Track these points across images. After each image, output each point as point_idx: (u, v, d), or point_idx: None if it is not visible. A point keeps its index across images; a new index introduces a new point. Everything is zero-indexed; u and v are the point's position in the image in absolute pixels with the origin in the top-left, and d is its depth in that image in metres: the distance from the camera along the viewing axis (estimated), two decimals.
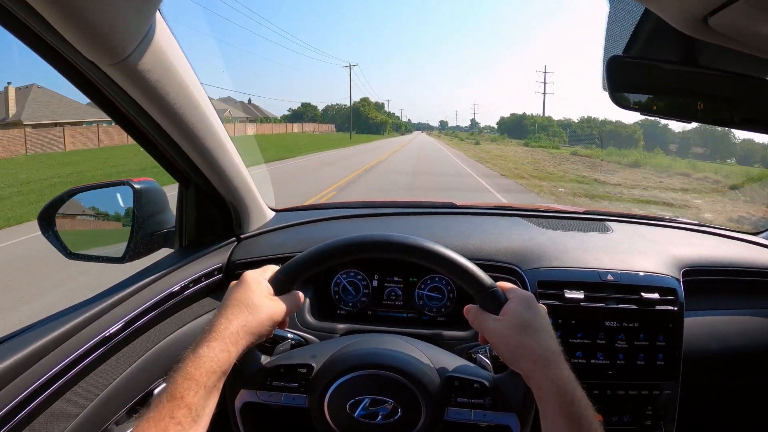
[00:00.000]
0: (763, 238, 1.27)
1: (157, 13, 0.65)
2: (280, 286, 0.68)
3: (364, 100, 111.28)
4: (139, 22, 0.61)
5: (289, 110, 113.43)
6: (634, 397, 0.95)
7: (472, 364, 0.73)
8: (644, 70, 0.60)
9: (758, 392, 1.11)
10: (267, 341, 0.75)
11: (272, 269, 0.70)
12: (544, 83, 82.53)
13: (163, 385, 0.85)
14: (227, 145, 0.94)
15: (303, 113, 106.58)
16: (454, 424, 0.68)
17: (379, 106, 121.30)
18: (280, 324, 0.67)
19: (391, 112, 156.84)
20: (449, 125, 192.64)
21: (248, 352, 0.64)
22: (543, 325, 0.63)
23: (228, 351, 0.58)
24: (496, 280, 0.68)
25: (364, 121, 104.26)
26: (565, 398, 0.56)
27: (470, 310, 0.69)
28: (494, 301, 0.66)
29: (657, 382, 0.95)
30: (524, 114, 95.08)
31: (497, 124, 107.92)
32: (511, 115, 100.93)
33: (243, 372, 0.67)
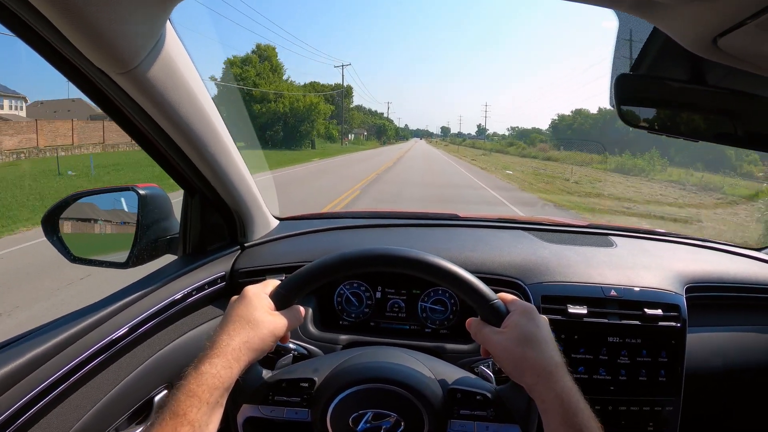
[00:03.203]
0: (766, 253, 1.26)
1: (167, 22, 0.66)
2: (282, 300, 0.67)
3: (264, 49, 39.66)
4: (149, 31, 0.61)
5: None
6: (635, 412, 0.94)
7: (474, 376, 0.72)
8: (652, 88, 0.60)
9: (760, 410, 1.10)
10: (269, 353, 0.74)
11: (273, 284, 0.70)
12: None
13: (164, 392, 0.85)
14: (233, 153, 0.94)
15: None
16: None
17: (345, 92, 59.30)
18: (282, 339, 0.67)
19: (375, 110, 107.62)
20: (452, 132, 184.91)
21: (250, 367, 0.64)
22: (545, 337, 0.62)
23: (230, 367, 0.57)
24: (497, 293, 0.68)
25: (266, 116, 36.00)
26: (569, 409, 0.56)
27: (472, 323, 0.68)
28: (496, 314, 0.66)
29: (659, 398, 0.94)
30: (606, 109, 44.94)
31: (549, 128, 67.92)
32: (574, 112, 56.69)
33: (245, 387, 0.67)
